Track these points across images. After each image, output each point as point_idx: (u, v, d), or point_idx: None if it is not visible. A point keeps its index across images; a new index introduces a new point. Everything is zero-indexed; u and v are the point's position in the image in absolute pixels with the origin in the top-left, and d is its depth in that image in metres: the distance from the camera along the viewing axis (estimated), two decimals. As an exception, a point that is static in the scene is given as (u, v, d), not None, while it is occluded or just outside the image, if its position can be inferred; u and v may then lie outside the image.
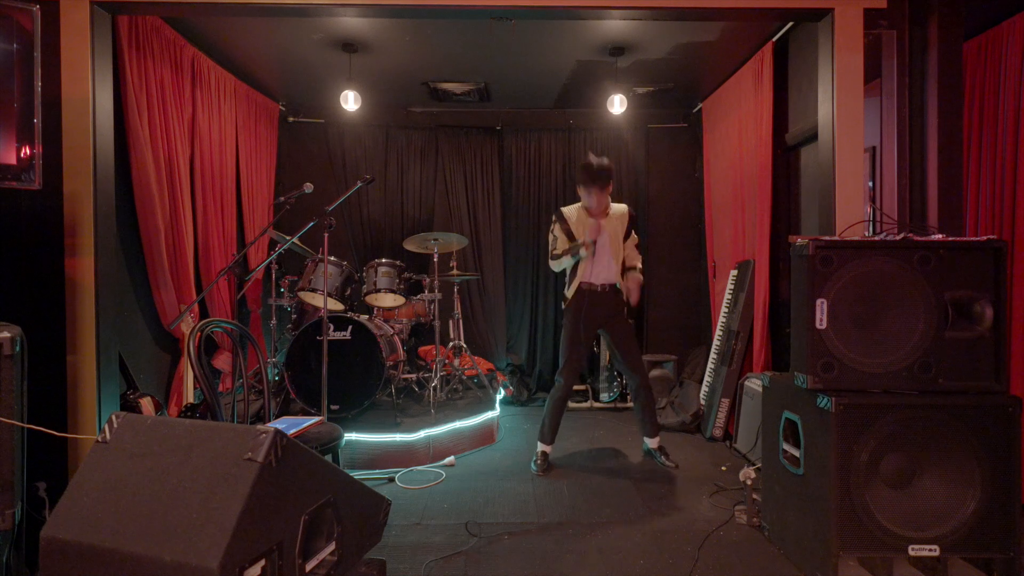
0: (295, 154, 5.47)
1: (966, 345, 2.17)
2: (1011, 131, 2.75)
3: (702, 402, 4.38)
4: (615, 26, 3.70)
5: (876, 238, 2.22)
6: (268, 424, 2.35)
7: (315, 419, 2.65)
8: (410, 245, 4.65)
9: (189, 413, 3.49)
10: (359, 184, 3.34)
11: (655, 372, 4.94)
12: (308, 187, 3.32)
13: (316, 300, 4.21)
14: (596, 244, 3.35)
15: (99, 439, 1.53)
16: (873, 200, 3.07)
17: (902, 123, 2.82)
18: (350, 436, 3.42)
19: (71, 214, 2.59)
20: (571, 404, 4.92)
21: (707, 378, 4.48)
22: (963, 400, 2.13)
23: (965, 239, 2.18)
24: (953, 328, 2.17)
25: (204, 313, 4.19)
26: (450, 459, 3.62)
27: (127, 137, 3.27)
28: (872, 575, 2.28)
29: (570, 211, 3.47)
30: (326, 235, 3.17)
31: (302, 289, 4.09)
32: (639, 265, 3.53)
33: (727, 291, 4.42)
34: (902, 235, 2.22)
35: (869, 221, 3.17)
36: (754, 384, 3.68)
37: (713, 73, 4.60)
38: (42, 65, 2.50)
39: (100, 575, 1.34)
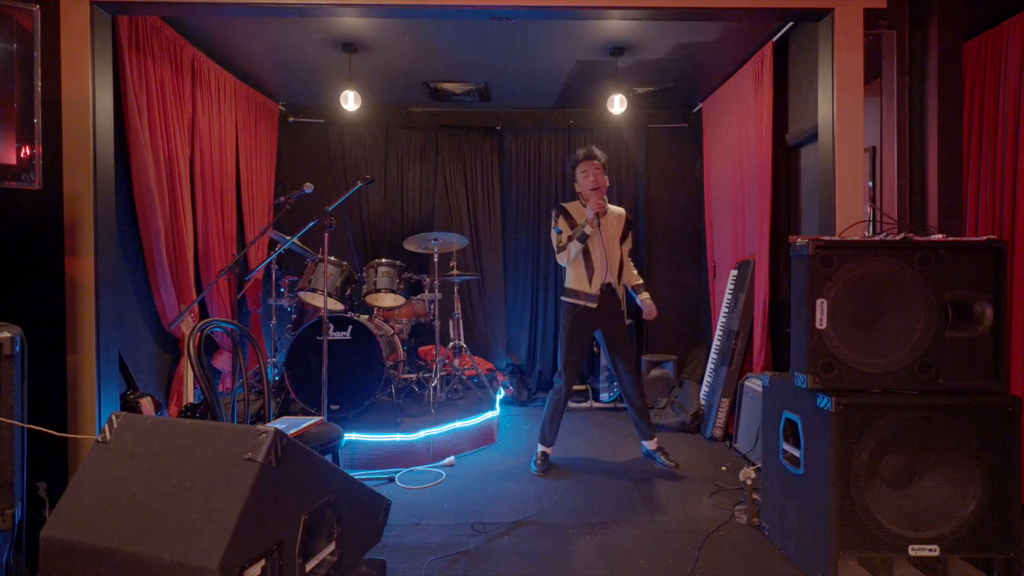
0: (295, 154, 5.46)
1: (966, 345, 2.17)
2: (1011, 131, 2.74)
3: (702, 402, 4.38)
4: (615, 26, 3.70)
5: (876, 238, 2.23)
6: (268, 424, 2.34)
7: (315, 419, 2.64)
8: (410, 245, 4.65)
9: (189, 413, 3.49)
10: (359, 184, 3.34)
11: (655, 372, 4.94)
12: (308, 187, 3.32)
13: (316, 300, 4.21)
14: (594, 247, 3.35)
15: (99, 439, 1.53)
16: (873, 200, 3.07)
17: (902, 123, 2.81)
18: (350, 436, 3.42)
19: (71, 214, 2.58)
20: (571, 404, 4.92)
21: (707, 378, 4.48)
22: (963, 400, 2.13)
23: (965, 239, 2.18)
24: (953, 328, 2.17)
25: (204, 313, 4.19)
26: (450, 459, 3.62)
27: (127, 137, 3.27)
28: (872, 575, 2.28)
29: (571, 205, 3.49)
30: (326, 235, 3.18)
31: (302, 289, 4.09)
32: (642, 282, 3.57)
33: (727, 291, 4.41)
34: (902, 235, 2.22)
35: (869, 221, 3.16)
36: (754, 384, 3.68)
37: (713, 73, 4.60)
38: (42, 65, 2.51)
39: (100, 575, 1.34)
